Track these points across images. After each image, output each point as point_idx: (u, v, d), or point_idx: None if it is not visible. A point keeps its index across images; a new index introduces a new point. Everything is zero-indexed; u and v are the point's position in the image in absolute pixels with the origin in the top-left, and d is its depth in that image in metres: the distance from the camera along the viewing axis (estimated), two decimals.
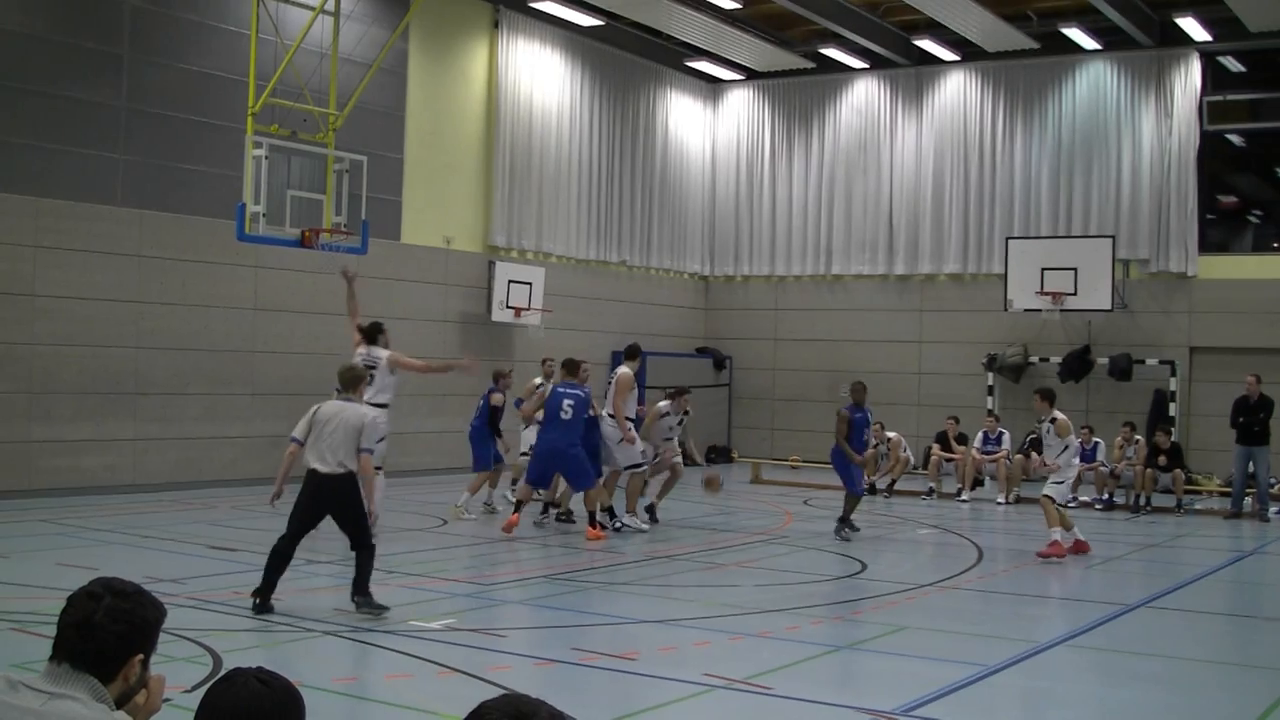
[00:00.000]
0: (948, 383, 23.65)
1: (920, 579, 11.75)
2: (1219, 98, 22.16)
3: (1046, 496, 13.10)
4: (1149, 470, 18.22)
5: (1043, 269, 21.64)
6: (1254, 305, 21.46)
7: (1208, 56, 22.19)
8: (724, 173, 26.48)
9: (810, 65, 24.86)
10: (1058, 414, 13.28)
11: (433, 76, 20.61)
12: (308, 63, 16.20)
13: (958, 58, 23.63)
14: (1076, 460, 13.78)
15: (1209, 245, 22.37)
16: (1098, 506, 18.27)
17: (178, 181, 16.72)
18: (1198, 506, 18.58)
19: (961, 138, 23.97)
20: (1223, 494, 19.16)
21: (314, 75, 16.16)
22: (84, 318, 15.77)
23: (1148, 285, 22.37)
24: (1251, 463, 17.53)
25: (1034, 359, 22.66)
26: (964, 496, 18.86)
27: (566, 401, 13.53)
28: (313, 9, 15.57)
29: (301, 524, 9.13)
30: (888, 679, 7.85)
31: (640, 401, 15.48)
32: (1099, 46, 22.40)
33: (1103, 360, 22.04)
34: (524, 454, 15.21)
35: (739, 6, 21.78)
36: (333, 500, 9.04)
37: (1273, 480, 18.48)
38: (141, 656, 2.84)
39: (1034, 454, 15.90)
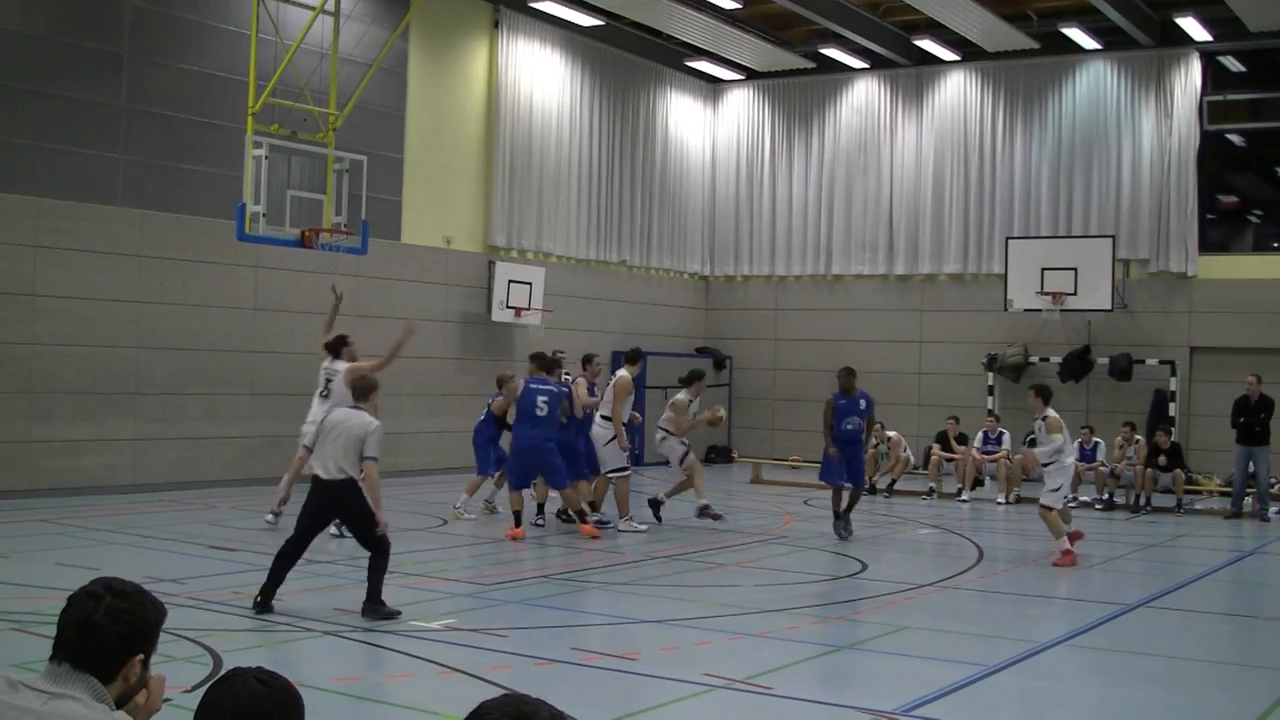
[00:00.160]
0: (948, 383, 23.65)
1: (920, 579, 11.74)
2: (1219, 98, 22.15)
3: (1045, 508, 12.96)
4: (1149, 470, 18.23)
5: (1043, 269, 21.64)
6: (1254, 305, 21.45)
7: (1208, 56, 22.19)
8: (724, 173, 26.48)
9: (810, 65, 24.86)
10: (1050, 412, 13.07)
11: (433, 76, 20.61)
12: (308, 63, 16.21)
13: (958, 58, 23.62)
14: (1070, 461, 13.34)
15: (1209, 245, 22.36)
16: (1098, 506, 18.27)
17: (178, 181, 16.72)
18: (1198, 506, 18.58)
19: (961, 138, 23.97)
20: (1223, 494, 19.16)
21: (314, 75, 16.17)
22: (84, 318, 15.77)
23: (1148, 285, 22.37)
24: (1252, 463, 17.53)
25: (1034, 359, 22.66)
26: (964, 496, 18.86)
27: (540, 398, 13.40)
28: (313, 9, 15.57)
29: (307, 527, 9.17)
30: (888, 679, 7.85)
31: (637, 407, 15.45)
32: (1099, 46, 22.40)
33: (1103, 360, 22.04)
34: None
35: (739, 6, 21.77)
36: (335, 506, 9.09)
37: (1273, 480, 18.48)
38: (142, 656, 2.84)
39: (1025, 449, 15.79)
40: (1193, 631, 10.12)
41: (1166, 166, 22.20)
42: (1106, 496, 18.47)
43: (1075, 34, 21.92)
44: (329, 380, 12.95)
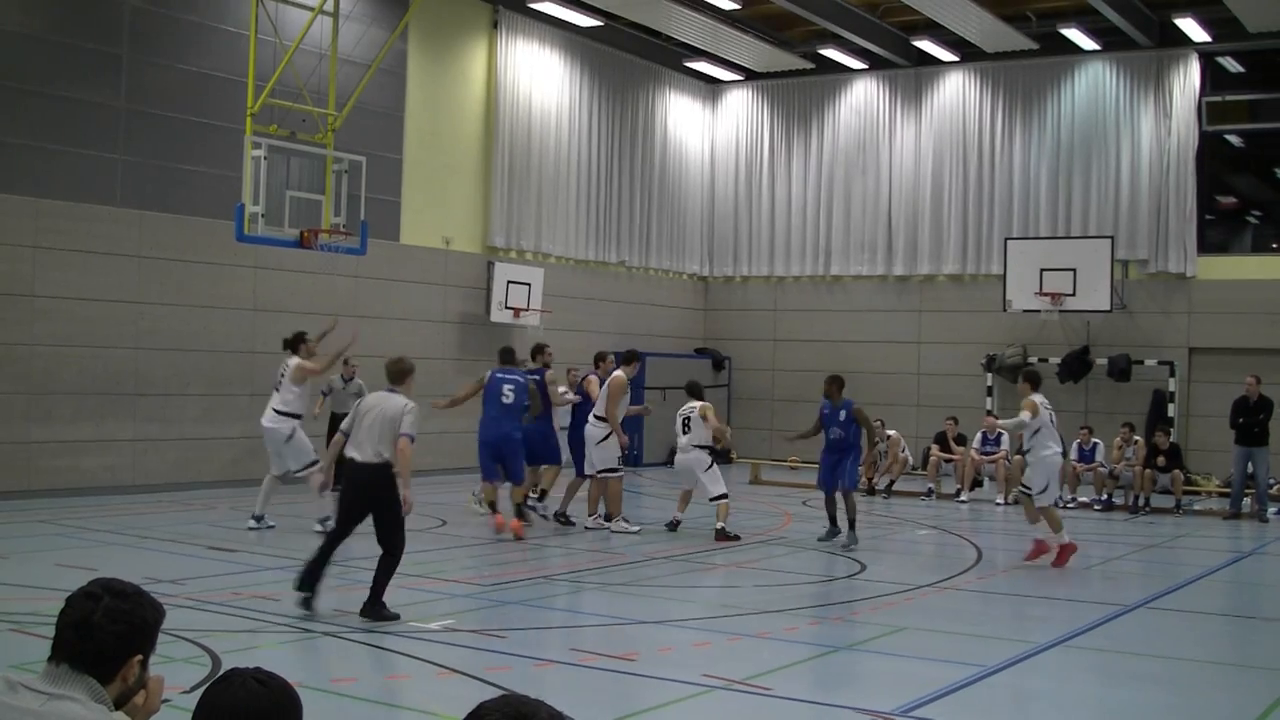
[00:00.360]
0: (947, 383, 23.65)
1: (919, 580, 11.74)
2: (1218, 98, 22.16)
3: (1040, 507, 12.89)
4: (1148, 471, 18.23)
5: (1042, 269, 21.64)
6: (1253, 305, 21.46)
7: (1207, 57, 22.20)
8: (723, 173, 26.49)
9: (809, 66, 24.87)
10: (1034, 396, 12.72)
11: (432, 77, 20.61)
12: (307, 63, 16.21)
13: (957, 58, 23.63)
14: (1047, 455, 12.74)
15: (1208, 246, 22.37)
16: (1097, 507, 18.28)
17: (177, 182, 16.72)
18: (1196, 507, 18.59)
19: (960, 138, 23.98)
20: (1222, 494, 19.16)
21: (313, 75, 16.17)
22: (84, 318, 15.77)
23: (1147, 286, 22.37)
24: (1250, 463, 17.54)
25: (1033, 359, 22.64)
26: (963, 497, 18.87)
27: (506, 386, 13.63)
28: (312, 9, 15.58)
29: (348, 517, 9.16)
30: (886, 679, 7.85)
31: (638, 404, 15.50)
32: (1098, 47, 22.41)
33: (1102, 361, 22.05)
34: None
35: (738, 7, 21.78)
36: (368, 491, 9.06)
37: (1272, 481, 18.49)
38: (140, 657, 2.84)
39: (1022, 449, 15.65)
40: (1191, 632, 10.13)
41: (1165, 167, 22.20)
42: (1105, 497, 18.47)
43: (1074, 34, 21.93)
44: (281, 374, 13.37)
